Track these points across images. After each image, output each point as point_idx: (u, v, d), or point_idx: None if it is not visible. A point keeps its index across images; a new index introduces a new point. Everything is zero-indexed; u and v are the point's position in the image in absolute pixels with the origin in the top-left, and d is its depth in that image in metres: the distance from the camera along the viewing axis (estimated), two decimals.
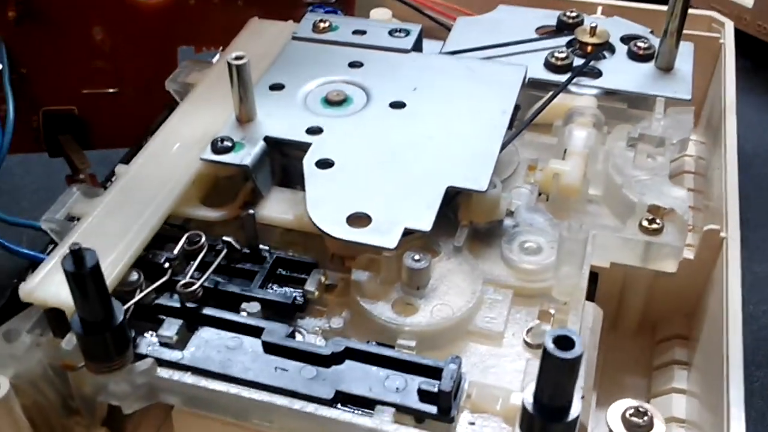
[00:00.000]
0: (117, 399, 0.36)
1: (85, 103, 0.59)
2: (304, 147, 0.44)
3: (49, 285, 0.37)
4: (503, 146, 0.44)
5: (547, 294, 0.40)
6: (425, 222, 0.39)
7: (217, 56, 0.61)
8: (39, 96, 0.57)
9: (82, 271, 0.30)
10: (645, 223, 0.42)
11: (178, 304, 0.38)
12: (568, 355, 0.26)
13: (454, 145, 0.44)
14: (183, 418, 0.37)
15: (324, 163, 0.43)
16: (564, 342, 0.27)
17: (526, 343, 0.38)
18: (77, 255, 0.30)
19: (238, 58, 0.44)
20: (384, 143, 0.44)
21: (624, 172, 0.46)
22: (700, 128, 0.59)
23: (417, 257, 0.38)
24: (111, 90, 0.59)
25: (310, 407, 0.34)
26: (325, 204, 0.40)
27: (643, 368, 0.46)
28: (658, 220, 0.42)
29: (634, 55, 0.54)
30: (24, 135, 0.57)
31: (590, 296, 0.41)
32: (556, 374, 0.27)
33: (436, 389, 0.34)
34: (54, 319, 0.37)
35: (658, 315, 0.47)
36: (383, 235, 0.38)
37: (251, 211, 0.41)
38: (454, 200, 0.42)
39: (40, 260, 0.42)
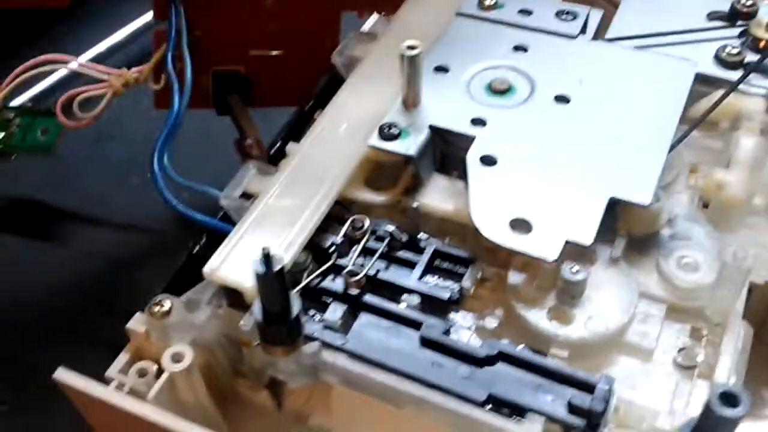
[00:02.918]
0: (284, 375, 0.39)
1: (252, 64, 0.61)
2: (468, 138, 0.45)
3: (230, 266, 0.39)
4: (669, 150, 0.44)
5: (701, 312, 0.40)
6: (587, 236, 0.39)
7: (372, 21, 0.61)
8: (210, 57, 0.60)
9: (270, 274, 0.33)
10: None
11: (341, 289, 0.41)
12: (733, 413, 0.27)
13: (618, 150, 0.44)
14: (342, 393, 0.40)
15: (488, 160, 0.43)
16: (729, 399, 0.27)
17: (676, 363, 0.39)
18: (267, 259, 0.32)
19: (411, 47, 0.44)
20: (547, 142, 0.44)
21: None
22: None
23: (575, 269, 0.39)
24: (276, 52, 0.61)
25: (465, 408, 0.36)
26: (487, 205, 0.41)
27: None
28: None
29: None
30: (194, 92, 0.60)
31: None
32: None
33: (587, 406, 0.35)
34: (232, 293, 0.40)
35: None
36: (544, 245, 0.39)
37: (416, 205, 0.43)
38: (612, 210, 0.42)
39: (213, 227, 0.45)
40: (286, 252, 0.40)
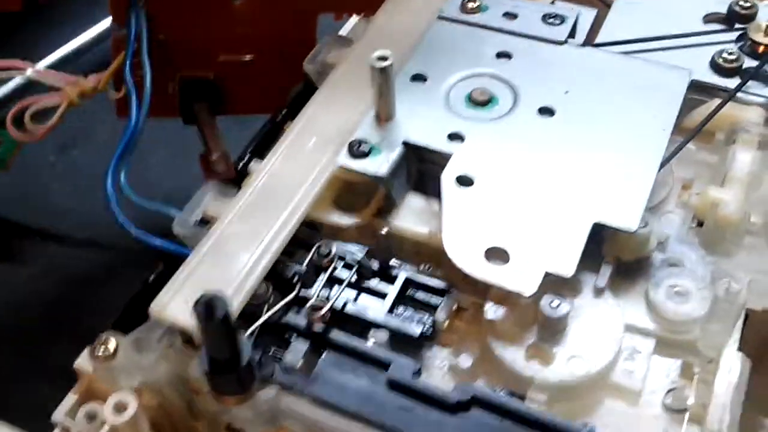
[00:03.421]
0: (240, 423, 0.36)
1: (222, 69, 0.58)
2: (444, 156, 0.42)
3: (179, 305, 0.36)
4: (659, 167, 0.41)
5: (692, 346, 0.37)
6: (568, 266, 0.36)
7: (350, 24, 0.58)
8: (176, 61, 0.56)
9: (213, 321, 0.30)
10: None
11: (304, 323, 0.38)
12: None
13: (604, 169, 0.41)
14: None
15: (465, 180, 0.40)
16: None
17: (665, 405, 0.36)
18: (208, 305, 0.29)
19: (381, 59, 0.41)
20: (528, 160, 0.41)
21: None
22: None
23: (556, 304, 0.36)
24: (248, 57, 0.58)
25: None
26: (462, 232, 0.38)
27: None
28: None
29: None
30: (159, 100, 0.56)
31: None
32: None
33: None
34: (184, 331, 0.37)
35: None
36: (521, 277, 0.36)
37: (385, 231, 0.39)
38: (598, 234, 0.39)
39: (174, 253, 0.41)
40: (243, 283, 0.37)
